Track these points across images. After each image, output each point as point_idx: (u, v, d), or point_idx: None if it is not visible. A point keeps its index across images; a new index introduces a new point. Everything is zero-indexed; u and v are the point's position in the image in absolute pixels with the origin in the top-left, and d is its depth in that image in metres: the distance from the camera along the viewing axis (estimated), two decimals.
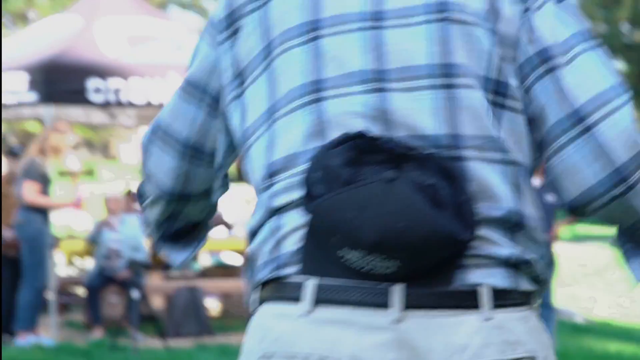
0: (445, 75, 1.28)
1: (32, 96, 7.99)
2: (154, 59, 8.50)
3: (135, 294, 7.41)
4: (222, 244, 9.04)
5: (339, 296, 1.27)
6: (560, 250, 8.87)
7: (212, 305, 9.68)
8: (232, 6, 1.41)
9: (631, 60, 35.42)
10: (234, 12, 1.40)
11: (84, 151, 45.56)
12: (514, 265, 1.29)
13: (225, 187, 1.58)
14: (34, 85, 7.96)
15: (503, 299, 1.28)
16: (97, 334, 8.09)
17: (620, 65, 37.59)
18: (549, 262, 1.36)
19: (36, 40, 8.79)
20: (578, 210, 1.35)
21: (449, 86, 1.28)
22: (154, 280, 8.56)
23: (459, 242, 1.24)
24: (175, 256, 1.64)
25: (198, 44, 1.49)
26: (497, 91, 1.30)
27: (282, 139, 1.33)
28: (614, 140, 1.28)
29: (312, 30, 1.34)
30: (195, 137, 1.49)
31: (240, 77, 1.40)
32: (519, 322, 1.29)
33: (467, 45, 1.29)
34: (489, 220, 1.28)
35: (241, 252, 9.18)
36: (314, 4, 1.34)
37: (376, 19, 1.32)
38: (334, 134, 1.29)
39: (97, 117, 11.07)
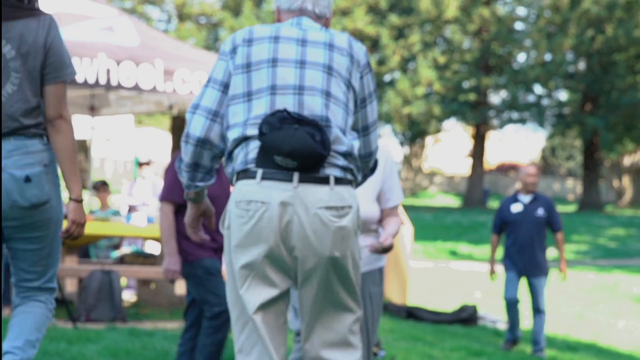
0: (326, 94, 3.08)
1: None
2: (84, 39, 8.36)
3: None
4: (142, 232, 8.88)
5: (272, 176, 3.00)
6: None
7: (127, 296, 9.51)
8: (234, 44, 3.14)
9: (574, 88, 36.25)
10: (235, 47, 3.14)
11: None
12: (343, 169, 3.07)
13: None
14: None
15: (339, 182, 3.05)
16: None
17: (563, 94, 38.47)
18: (362, 172, 3.27)
19: None
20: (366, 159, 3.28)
21: (327, 98, 3.08)
22: (67, 263, 8.35)
23: (322, 155, 2.99)
24: (195, 184, 3.19)
25: (217, 62, 3.16)
26: (347, 105, 3.13)
27: (255, 109, 3.05)
28: (374, 140, 3.28)
29: (273, 62, 3.08)
30: (216, 107, 3.12)
31: (233, 72, 3.12)
32: (346, 191, 3.06)
33: (337, 85, 3.11)
34: (337, 150, 3.06)
35: (160, 241, 9.06)
36: (274, 52, 3.09)
37: (302, 63, 3.09)
38: (278, 109, 3.04)
39: None
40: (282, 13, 3.23)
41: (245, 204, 2.98)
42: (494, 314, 11.03)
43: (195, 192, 3.20)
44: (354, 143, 3.09)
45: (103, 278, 7.97)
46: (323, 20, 3.23)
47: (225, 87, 3.09)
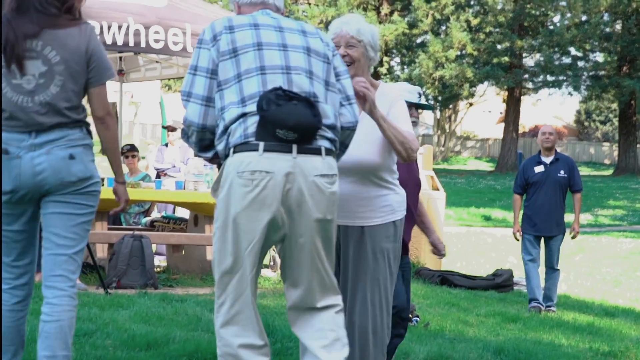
0: (310, 73, 3.44)
1: None
2: (110, 0, 8.24)
3: None
4: (172, 197, 8.80)
5: (273, 148, 3.31)
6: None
7: (158, 262, 9.46)
8: (214, 32, 3.43)
9: (610, 50, 35.67)
10: (215, 36, 3.43)
11: None
12: (330, 140, 3.43)
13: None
14: None
15: (328, 152, 3.41)
16: (37, 278, 7.84)
17: (599, 56, 37.88)
18: (344, 143, 3.60)
19: None
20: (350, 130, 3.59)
21: (311, 76, 3.44)
22: (98, 229, 8.30)
23: (318, 128, 3.36)
24: (205, 154, 3.56)
25: (198, 51, 3.43)
26: (327, 82, 3.50)
27: (247, 88, 3.35)
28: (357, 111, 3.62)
29: (258, 46, 3.41)
30: (207, 93, 3.41)
31: (217, 59, 3.40)
32: (332, 161, 3.44)
33: (317, 64, 3.48)
34: (325, 124, 3.41)
35: (189, 206, 8.98)
36: (258, 37, 3.42)
37: (284, 47, 3.45)
38: (271, 87, 3.35)
39: None
40: (242, 7, 3.61)
41: (249, 174, 3.28)
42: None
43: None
44: (337, 113, 3.48)
45: (134, 244, 7.91)
46: (280, 12, 3.65)
47: (212, 73, 3.40)
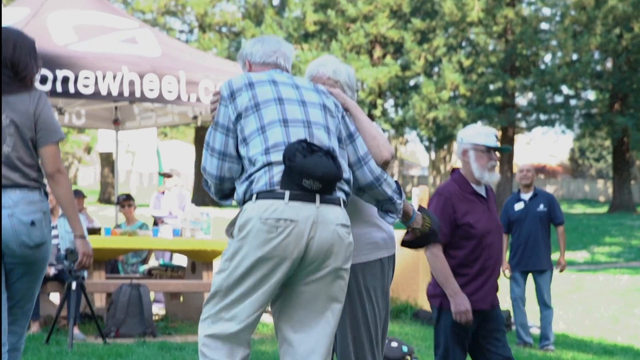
0: (327, 129, 3.60)
1: None
2: (106, 52, 8.33)
3: (73, 284, 7.18)
4: (169, 245, 8.82)
5: (299, 197, 3.43)
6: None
7: (156, 310, 9.44)
8: (231, 89, 3.59)
9: (602, 88, 35.89)
10: (232, 92, 3.58)
11: None
12: (346, 193, 3.59)
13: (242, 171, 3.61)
14: None
15: (344, 204, 3.57)
16: (34, 329, 7.84)
17: (591, 94, 38.11)
18: (375, 199, 3.80)
19: None
20: (365, 191, 3.78)
21: (328, 132, 3.60)
22: (95, 278, 8.31)
23: (340, 180, 3.49)
24: (226, 202, 3.77)
25: (219, 107, 3.59)
26: (339, 139, 3.67)
27: (271, 138, 3.48)
28: (374, 167, 3.74)
29: (280, 101, 3.56)
30: (223, 149, 3.58)
31: (240, 115, 3.56)
32: (347, 213, 3.58)
33: (331, 121, 3.64)
34: (343, 177, 3.54)
35: (187, 253, 8.99)
36: (278, 92, 3.59)
37: (303, 103, 3.61)
38: (294, 139, 3.49)
39: None
40: (254, 65, 3.78)
41: (274, 221, 3.40)
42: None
43: None
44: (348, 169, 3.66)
45: (132, 292, 7.91)
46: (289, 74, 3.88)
47: (227, 130, 3.57)
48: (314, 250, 3.43)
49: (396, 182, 3.81)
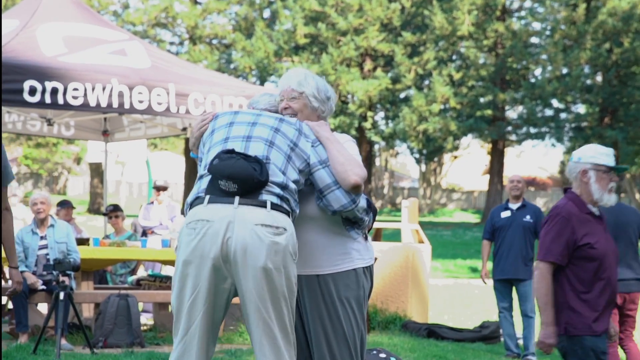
0: (271, 143, 3.77)
1: None
2: (96, 63, 8.35)
3: (61, 294, 7.17)
4: (158, 255, 8.82)
5: (217, 200, 3.63)
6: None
7: (144, 321, 9.43)
8: (214, 127, 3.89)
9: (592, 102, 36.02)
10: (213, 131, 3.88)
11: (28, 184, 44.89)
12: (280, 197, 3.67)
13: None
14: None
15: (275, 207, 3.64)
16: (23, 339, 7.82)
17: (581, 108, 38.24)
18: (297, 203, 3.78)
19: None
20: (337, 213, 3.85)
21: (271, 145, 3.76)
22: (84, 288, 8.30)
23: (260, 181, 3.63)
24: None
25: (203, 147, 3.91)
26: (289, 157, 3.79)
27: (210, 156, 3.74)
28: (341, 195, 3.82)
29: (230, 125, 3.85)
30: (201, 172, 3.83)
31: (204, 144, 3.90)
32: (281, 216, 3.63)
33: (281, 141, 3.79)
34: (274, 181, 3.69)
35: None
36: (233, 118, 3.89)
37: (253, 124, 3.84)
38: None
39: (35, 126, 10.86)
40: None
41: (194, 224, 3.59)
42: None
43: None
44: (294, 180, 3.73)
45: (120, 303, 7.91)
46: None
47: (200, 160, 3.89)
48: (232, 249, 3.53)
49: (367, 199, 3.89)
